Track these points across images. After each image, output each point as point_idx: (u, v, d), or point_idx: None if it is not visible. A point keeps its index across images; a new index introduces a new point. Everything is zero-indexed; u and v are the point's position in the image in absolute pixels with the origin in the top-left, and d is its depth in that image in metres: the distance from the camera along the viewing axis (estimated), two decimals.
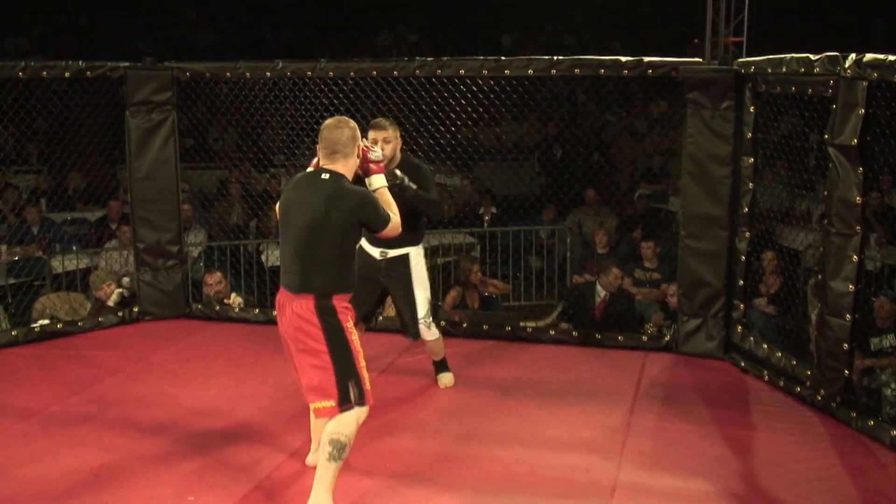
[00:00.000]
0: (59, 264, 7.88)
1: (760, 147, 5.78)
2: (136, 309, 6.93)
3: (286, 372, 5.60)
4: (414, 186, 4.93)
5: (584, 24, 17.14)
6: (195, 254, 8.08)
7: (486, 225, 9.19)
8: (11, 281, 7.59)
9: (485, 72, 6.36)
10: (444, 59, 6.50)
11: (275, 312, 4.03)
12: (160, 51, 14.21)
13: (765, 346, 5.72)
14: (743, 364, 5.84)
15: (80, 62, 6.57)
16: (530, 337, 6.41)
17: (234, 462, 4.47)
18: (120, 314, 6.87)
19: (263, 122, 7.11)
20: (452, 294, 7.05)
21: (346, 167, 3.93)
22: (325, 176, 3.86)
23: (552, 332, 6.42)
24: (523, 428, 4.91)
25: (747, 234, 5.86)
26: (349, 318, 3.89)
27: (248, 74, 6.78)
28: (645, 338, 6.35)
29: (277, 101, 6.87)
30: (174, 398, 5.35)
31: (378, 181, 4.12)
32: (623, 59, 6.04)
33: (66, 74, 6.51)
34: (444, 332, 6.45)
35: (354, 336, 3.89)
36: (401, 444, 4.70)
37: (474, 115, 6.68)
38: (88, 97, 6.93)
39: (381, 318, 6.64)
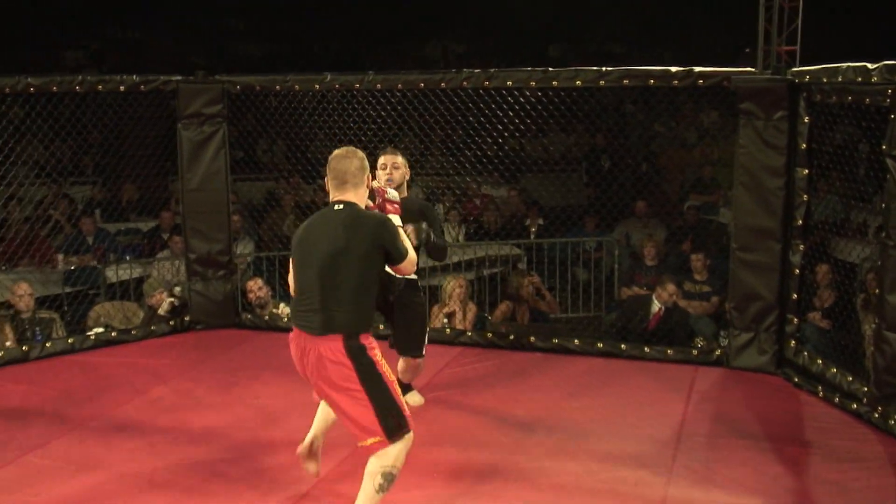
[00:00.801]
0: (113, 274, 8.02)
1: (815, 158, 5.69)
2: (187, 318, 7.02)
3: None
4: (435, 239, 4.92)
5: (632, 34, 17.05)
6: (244, 264, 8.16)
7: (532, 236, 9.16)
8: (67, 289, 7.74)
9: (532, 83, 6.35)
10: (492, 70, 6.50)
11: (292, 354, 3.81)
12: (211, 64, 14.43)
13: (819, 361, 5.61)
14: (796, 379, 5.73)
15: (134, 76, 6.69)
16: (578, 349, 6.37)
17: (283, 471, 4.49)
18: (171, 323, 6.96)
19: (311, 133, 7.15)
20: (502, 308, 7.03)
21: (357, 197, 3.82)
22: (339, 207, 3.76)
23: (601, 346, 6.37)
24: (571, 441, 4.87)
25: (801, 247, 5.76)
26: (376, 350, 3.76)
27: (297, 87, 6.85)
28: (695, 352, 6.27)
29: (325, 114, 6.92)
30: (224, 407, 5.40)
31: (394, 222, 4.00)
32: (673, 69, 6.00)
33: (121, 88, 6.63)
34: (491, 345, 6.48)
35: (385, 367, 3.77)
36: (447, 457, 4.69)
37: (521, 126, 6.67)
38: (142, 110, 7.05)
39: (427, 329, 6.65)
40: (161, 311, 7.02)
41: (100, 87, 6.56)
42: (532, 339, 6.47)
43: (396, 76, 6.66)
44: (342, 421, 3.82)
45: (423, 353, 5.28)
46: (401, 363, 5.29)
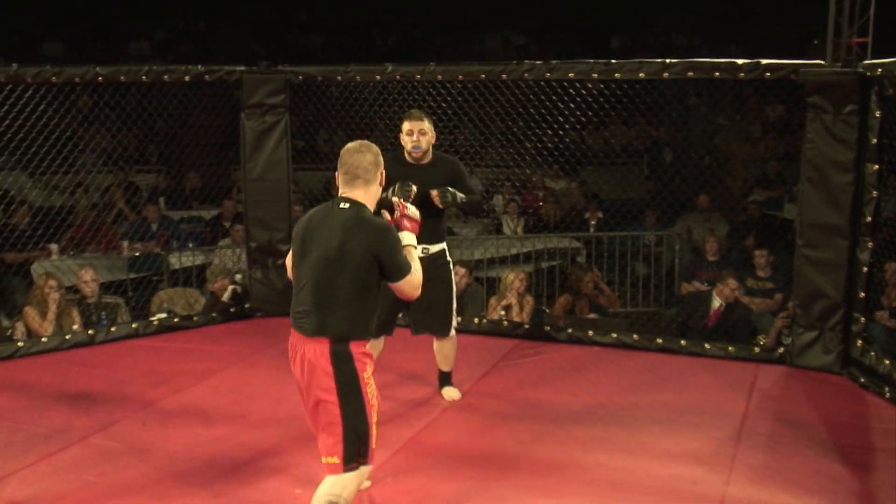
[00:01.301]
0: (176, 261, 8.16)
1: (885, 153, 5.54)
2: (247, 305, 7.11)
3: (391, 370, 5.72)
4: (463, 198, 4.83)
5: (696, 26, 16.77)
6: None
7: (591, 230, 9.09)
8: (132, 275, 7.90)
9: (594, 75, 6.29)
10: (553, 62, 6.45)
11: (289, 356, 3.58)
12: (272, 54, 14.56)
13: (886, 361, 5.47)
14: (862, 380, 5.60)
15: (199, 66, 6.78)
16: (637, 345, 6.30)
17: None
18: (232, 310, 7.06)
19: (372, 124, 7.19)
20: (561, 301, 7.00)
21: (368, 196, 3.55)
22: (345, 205, 3.50)
23: (660, 341, 6.29)
24: (628, 436, 4.83)
25: (869, 244, 5.62)
26: (367, 365, 3.48)
27: (358, 77, 6.87)
28: (757, 349, 6.17)
29: (386, 105, 6.94)
30: (283, 394, 5.45)
31: (408, 239, 3.67)
32: (739, 61, 5.89)
33: (186, 78, 6.72)
34: (549, 338, 6.45)
35: (370, 387, 3.47)
36: (503, 448, 4.68)
37: (582, 118, 6.61)
38: (206, 100, 7.15)
39: (485, 320, 6.66)
40: (223, 299, 7.13)
41: (165, 76, 6.67)
42: (590, 333, 6.42)
43: (457, 67, 6.65)
44: (313, 429, 3.55)
45: (452, 332, 5.11)
46: (434, 348, 5.21)
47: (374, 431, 3.49)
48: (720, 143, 10.95)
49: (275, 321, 7.00)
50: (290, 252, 3.65)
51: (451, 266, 5.11)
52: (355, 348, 3.45)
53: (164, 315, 6.97)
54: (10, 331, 6.83)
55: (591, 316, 7.06)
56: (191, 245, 8.49)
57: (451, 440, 4.77)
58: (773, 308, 7.06)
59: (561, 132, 6.79)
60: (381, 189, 3.63)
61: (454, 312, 5.12)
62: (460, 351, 6.21)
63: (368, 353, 3.51)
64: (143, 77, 6.58)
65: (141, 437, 4.80)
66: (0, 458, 4.49)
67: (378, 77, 6.79)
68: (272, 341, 6.51)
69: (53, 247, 8.02)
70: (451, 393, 5.35)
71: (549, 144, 7.07)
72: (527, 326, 6.61)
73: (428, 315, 5.04)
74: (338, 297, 3.43)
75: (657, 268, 8.39)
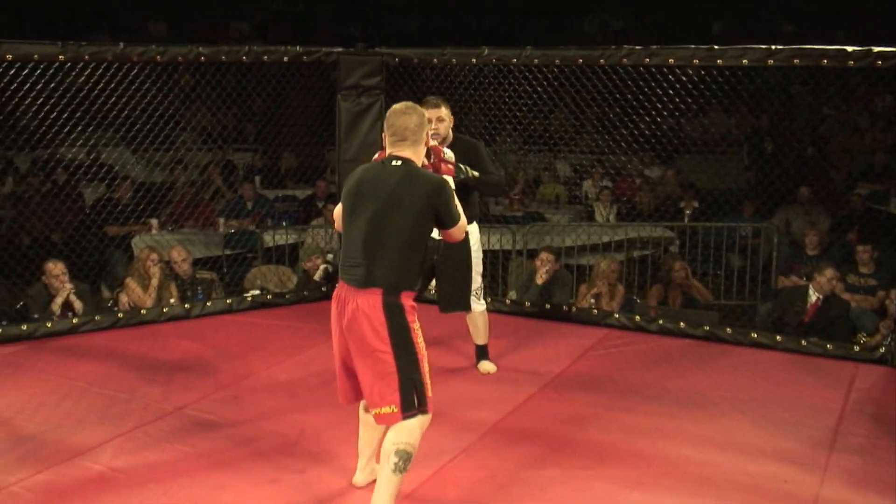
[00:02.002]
0: (270, 239, 8.32)
1: None
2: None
3: (471, 355, 5.71)
4: (476, 174, 4.93)
5: (802, 11, 16.21)
6: None
7: (686, 219, 8.90)
8: (227, 252, 8.08)
9: (695, 61, 6.13)
10: (653, 47, 6.30)
11: (332, 308, 3.66)
12: (369, 36, 14.67)
13: None
14: None
15: (298, 47, 6.86)
16: (730, 339, 6.15)
17: (429, 437, 4.51)
18: (324, 289, 7.16)
19: (466, 107, 7.17)
20: (653, 291, 6.88)
21: (416, 154, 3.70)
22: (397, 163, 3.63)
23: (755, 336, 6.13)
24: (718, 431, 4.72)
25: None
26: (415, 316, 3.59)
27: (454, 61, 6.85)
28: (857, 348, 5.95)
29: (482, 88, 6.91)
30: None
31: (449, 182, 3.80)
32: (849, 48, 5.65)
33: (285, 59, 6.81)
34: (639, 328, 6.36)
35: (420, 338, 3.59)
36: (590, 437, 4.63)
37: (682, 105, 6.46)
38: (303, 80, 7.23)
39: (574, 308, 6.60)
40: (315, 278, 7.23)
41: (265, 57, 6.76)
42: (682, 325, 6.30)
43: (554, 52, 6.56)
44: (363, 385, 3.63)
45: (475, 306, 5.31)
46: (467, 322, 5.40)
47: (428, 381, 3.60)
48: (825, 133, 10.59)
49: None
50: (340, 206, 3.76)
51: (475, 245, 5.26)
52: (405, 300, 3.56)
53: (257, 292, 7.11)
54: (111, 302, 7.09)
55: (683, 308, 6.92)
56: (284, 224, 8.64)
57: (538, 426, 4.74)
58: (875, 306, 6.80)
59: (658, 119, 6.65)
60: (425, 149, 3.83)
61: (473, 289, 5.29)
62: (549, 338, 6.21)
63: (415, 306, 3.62)
64: (244, 57, 6.69)
65: (232, 411, 4.90)
66: (99, 426, 4.65)
67: (474, 60, 6.75)
68: None
69: (154, 221, 8.27)
70: (487, 366, 5.50)
71: (647, 132, 6.93)
72: (617, 316, 6.52)
73: (448, 292, 5.23)
74: (390, 250, 3.54)
75: (753, 260, 8.17)
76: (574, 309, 6.67)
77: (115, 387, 5.22)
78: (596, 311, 6.64)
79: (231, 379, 5.38)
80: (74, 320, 6.28)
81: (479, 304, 5.36)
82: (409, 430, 3.53)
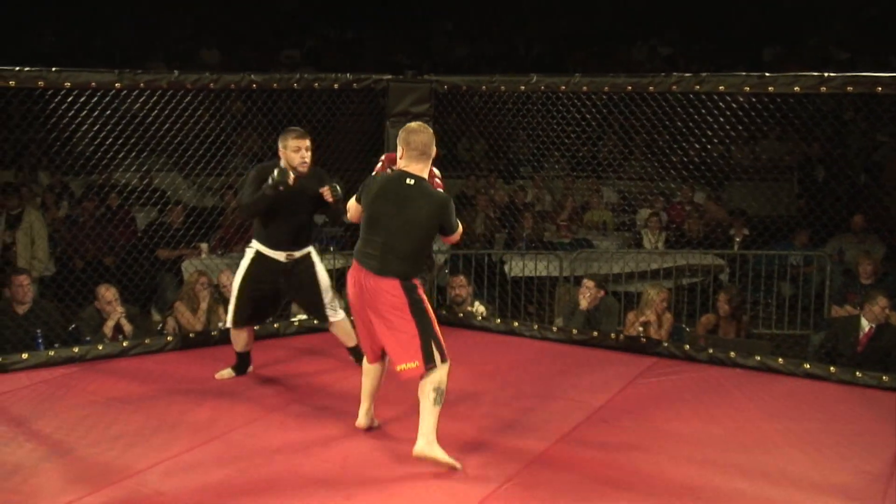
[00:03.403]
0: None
1: None
2: None
3: (526, 382, 5.70)
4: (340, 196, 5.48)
5: (854, 37, 15.99)
6: (441, 261, 8.30)
7: (736, 247, 8.79)
8: None
9: (746, 88, 6.07)
10: (703, 74, 6.26)
11: (350, 285, 4.53)
12: (417, 63, 14.77)
13: None
14: None
15: (348, 74, 6.93)
16: (783, 369, 6.04)
17: (474, 465, 4.51)
18: None
19: (514, 133, 7.18)
20: (702, 320, 6.79)
21: (426, 168, 4.46)
22: (411, 181, 4.39)
23: (807, 367, 6.01)
24: (770, 464, 4.62)
25: None
26: (423, 291, 4.50)
27: (502, 88, 6.87)
28: None
29: (530, 115, 6.91)
30: (414, 400, 5.49)
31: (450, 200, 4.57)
32: None
33: (335, 86, 6.88)
34: (688, 357, 6.27)
35: (429, 305, 4.48)
36: (638, 468, 4.56)
37: (733, 132, 6.40)
38: (352, 106, 7.30)
39: (622, 336, 6.52)
40: None
41: (316, 84, 6.84)
42: (732, 354, 6.20)
43: (603, 79, 6.54)
44: (387, 347, 4.48)
45: (332, 318, 5.75)
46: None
47: (440, 335, 4.46)
48: (879, 160, 10.40)
49: None
50: (357, 199, 4.55)
51: (317, 261, 5.76)
52: (416, 280, 4.49)
53: (304, 317, 7.13)
54: (160, 325, 7.17)
55: (734, 337, 6.82)
56: (332, 248, 8.68)
57: (585, 456, 4.68)
58: None
59: (709, 146, 6.58)
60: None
61: (329, 302, 5.75)
62: (596, 366, 6.16)
63: (420, 284, 4.53)
64: (295, 84, 6.77)
65: (279, 435, 4.91)
66: (148, 448, 4.69)
67: (522, 87, 6.76)
68: None
69: (203, 245, 8.36)
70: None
71: (696, 158, 6.87)
72: (666, 344, 6.44)
73: (309, 311, 5.91)
74: (403, 252, 4.41)
75: (806, 289, 8.03)
76: (622, 337, 6.61)
77: (164, 410, 5.26)
78: (644, 339, 6.57)
79: (279, 403, 5.39)
80: (125, 343, 6.36)
81: (336, 315, 5.79)
82: (439, 377, 4.40)
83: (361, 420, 4.93)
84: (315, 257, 5.75)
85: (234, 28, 17.17)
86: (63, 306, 6.73)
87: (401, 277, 4.39)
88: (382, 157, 4.75)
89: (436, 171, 4.64)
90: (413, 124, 4.50)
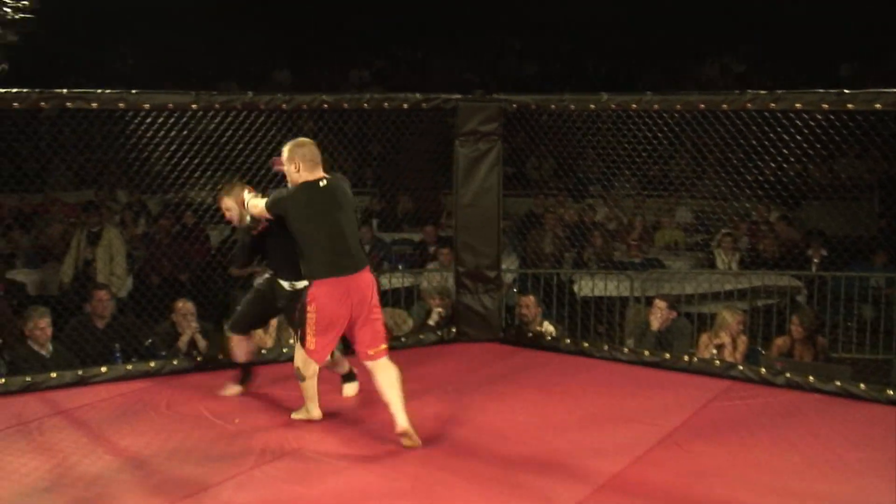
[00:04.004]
0: (386, 281, 8.40)
1: None
2: (453, 329, 7.20)
3: (596, 403, 5.63)
4: None
5: None
6: (509, 280, 8.26)
7: (814, 268, 8.57)
8: None
9: (824, 106, 5.91)
10: (779, 91, 6.12)
11: (333, 301, 4.91)
12: (485, 81, 14.80)
13: None
14: None
15: (417, 94, 6.97)
16: (864, 395, 5.83)
17: (545, 488, 4.45)
18: (439, 333, 7.17)
19: (583, 152, 7.12)
20: (778, 342, 6.62)
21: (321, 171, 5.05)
22: (324, 182, 4.97)
23: (890, 393, 5.80)
24: (852, 494, 4.46)
25: None
26: None
27: (572, 106, 6.82)
28: None
29: (600, 134, 6.85)
30: (484, 420, 5.46)
31: None
32: None
33: (405, 106, 6.92)
34: (764, 381, 6.11)
35: None
36: (711, 493, 4.45)
37: (810, 151, 6.24)
38: (421, 126, 7.33)
39: (695, 358, 6.39)
40: (430, 321, 7.25)
41: (385, 104, 6.89)
42: (811, 379, 6.02)
43: (675, 97, 6.46)
44: (364, 336, 5.02)
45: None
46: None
47: None
48: None
49: (479, 346, 7.05)
50: (275, 213, 5.04)
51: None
52: None
53: None
54: None
55: (810, 360, 6.63)
56: (400, 267, 8.72)
57: (657, 480, 4.59)
58: None
59: (785, 165, 6.43)
60: None
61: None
62: (668, 388, 6.06)
63: None
64: (365, 104, 6.83)
65: (349, 451, 4.93)
66: (221, 463, 4.74)
67: (592, 106, 6.71)
68: (476, 366, 6.55)
69: None
70: (349, 390, 5.93)
71: (772, 177, 6.71)
72: (741, 368, 6.29)
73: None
74: (357, 240, 5.07)
75: (888, 312, 7.77)
76: (695, 359, 6.48)
77: (236, 425, 5.32)
78: (719, 361, 6.43)
79: (348, 422, 5.41)
80: (199, 358, 6.46)
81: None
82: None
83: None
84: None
85: (305, 48, 17.46)
86: (140, 321, 6.87)
87: (367, 264, 5.01)
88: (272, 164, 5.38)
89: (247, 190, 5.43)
90: (300, 140, 5.09)
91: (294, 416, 5.34)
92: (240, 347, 5.84)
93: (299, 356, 5.15)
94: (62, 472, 4.62)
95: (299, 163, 4.98)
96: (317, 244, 4.90)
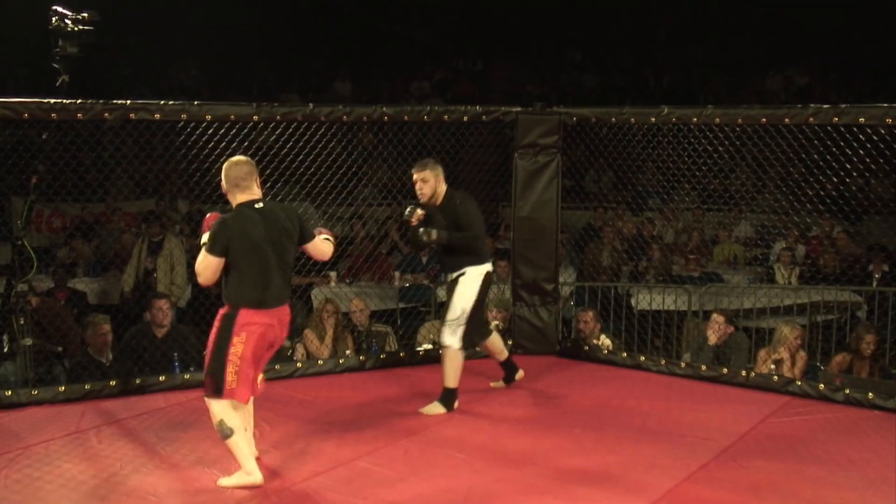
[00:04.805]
0: (443, 293, 8.43)
1: None
2: (510, 342, 7.21)
3: (653, 417, 5.61)
4: (438, 237, 5.71)
5: None
6: (566, 292, 8.25)
7: (875, 283, 8.40)
8: (402, 305, 8.26)
9: (888, 120, 5.83)
10: (842, 106, 6.06)
11: (265, 332, 4.50)
12: (546, 93, 14.79)
13: None
14: None
15: (477, 107, 7.02)
16: None
17: (599, 501, 4.45)
18: None
19: (644, 165, 7.10)
20: (838, 359, 6.52)
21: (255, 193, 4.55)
22: (259, 205, 4.50)
23: None
24: None
25: None
26: None
27: (632, 119, 6.81)
28: None
29: (660, 147, 6.82)
30: (542, 431, 5.47)
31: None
32: None
33: (465, 118, 6.97)
34: (823, 397, 6.02)
35: None
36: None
37: (873, 165, 6.14)
38: (481, 138, 7.37)
39: (753, 373, 6.33)
40: None
41: (445, 116, 6.95)
42: (871, 395, 5.92)
43: (736, 111, 6.41)
44: (264, 364, 4.72)
45: (449, 344, 5.72)
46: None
47: None
48: None
49: (536, 359, 7.05)
50: (215, 253, 4.40)
51: (473, 282, 5.75)
52: None
53: (429, 346, 7.22)
54: (290, 351, 7.37)
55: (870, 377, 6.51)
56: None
57: (714, 495, 4.55)
58: None
59: (847, 179, 6.34)
60: None
61: (457, 328, 5.70)
62: (726, 403, 6.01)
63: None
64: (425, 117, 6.90)
65: (402, 463, 4.96)
66: (274, 473, 4.80)
67: (653, 119, 6.69)
68: (531, 379, 6.55)
69: (332, 274, 8.57)
70: (431, 409, 5.77)
71: (834, 192, 6.62)
72: (799, 383, 6.21)
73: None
74: (289, 268, 4.61)
75: None
76: (753, 374, 6.41)
77: (293, 435, 5.39)
78: (777, 377, 6.35)
79: (403, 433, 5.45)
80: None
81: (449, 339, 5.76)
82: None
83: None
84: (466, 277, 5.79)
85: (366, 59, 17.64)
86: (199, 331, 7.00)
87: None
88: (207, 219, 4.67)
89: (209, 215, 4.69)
90: (233, 159, 4.60)
91: (221, 482, 4.60)
92: (485, 350, 6.26)
93: (217, 407, 4.50)
94: (119, 480, 4.70)
95: (232, 185, 4.54)
96: (251, 274, 4.45)
